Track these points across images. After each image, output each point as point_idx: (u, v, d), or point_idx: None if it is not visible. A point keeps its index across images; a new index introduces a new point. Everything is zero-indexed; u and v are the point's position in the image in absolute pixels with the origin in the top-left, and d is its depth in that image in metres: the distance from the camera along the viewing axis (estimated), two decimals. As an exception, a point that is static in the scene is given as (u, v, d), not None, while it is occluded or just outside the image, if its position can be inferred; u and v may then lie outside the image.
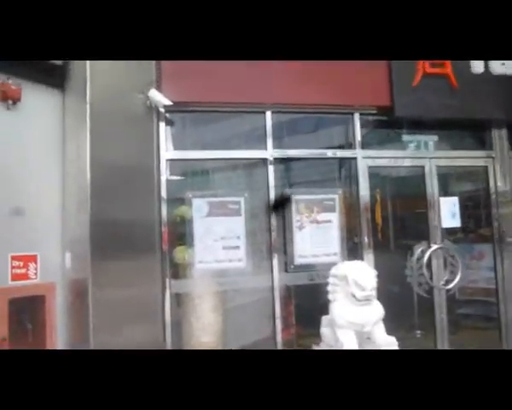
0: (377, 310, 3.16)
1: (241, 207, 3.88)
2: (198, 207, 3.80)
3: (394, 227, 4.62)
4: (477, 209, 4.70)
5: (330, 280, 3.22)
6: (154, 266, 3.49)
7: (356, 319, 3.06)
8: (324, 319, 3.33)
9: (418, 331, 4.58)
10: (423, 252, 4.30)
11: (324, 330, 3.32)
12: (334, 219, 4.11)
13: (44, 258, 3.20)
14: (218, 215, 3.83)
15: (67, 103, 3.55)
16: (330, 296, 3.20)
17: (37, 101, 3.31)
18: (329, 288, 3.21)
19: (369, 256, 4.09)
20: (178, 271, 3.82)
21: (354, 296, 3.05)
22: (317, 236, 4.05)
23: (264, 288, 3.92)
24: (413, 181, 4.47)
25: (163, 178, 3.68)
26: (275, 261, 3.88)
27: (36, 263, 3.10)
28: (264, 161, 3.94)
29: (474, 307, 4.73)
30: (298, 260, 3.99)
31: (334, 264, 3.61)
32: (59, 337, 3.20)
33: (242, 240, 3.87)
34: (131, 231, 3.32)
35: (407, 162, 4.35)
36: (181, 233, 3.86)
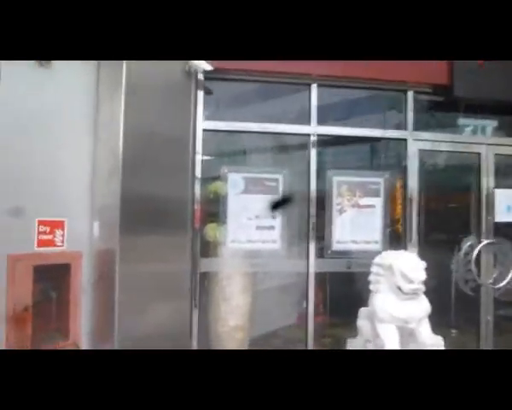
0: (423, 306, 2.89)
1: (279, 185, 3.64)
2: (233, 183, 3.57)
3: (442, 218, 4.27)
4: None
5: (374, 269, 2.96)
6: (184, 244, 3.31)
7: (400, 314, 2.80)
8: (363, 311, 3.08)
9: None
10: (472, 247, 3.95)
11: (362, 323, 3.07)
12: (378, 204, 3.81)
13: (72, 225, 3.06)
14: (254, 193, 3.60)
15: (103, 65, 3.35)
16: (372, 287, 2.94)
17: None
18: (372, 278, 2.95)
19: (413, 247, 3.78)
20: (209, 249, 3.63)
21: (400, 289, 2.78)
22: (357, 221, 3.77)
23: (299, 272, 3.69)
24: (466, 169, 4.10)
25: (198, 151, 3.46)
26: (311, 245, 3.63)
27: (63, 230, 2.96)
28: (306, 137, 3.66)
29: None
30: (336, 246, 3.73)
31: (374, 253, 3.39)
32: (83, 309, 3.07)
33: (278, 220, 3.64)
34: (163, 204, 3.13)
35: (462, 148, 3.97)
36: (214, 210, 3.66)
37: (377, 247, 3.78)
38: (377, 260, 2.98)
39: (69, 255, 3.01)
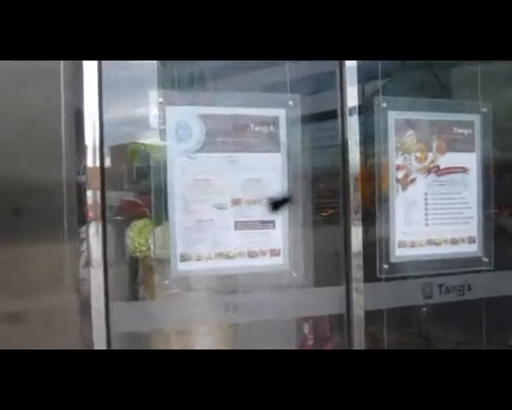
0: None
1: (281, 131, 1.71)
2: (180, 130, 1.62)
3: None
4: None
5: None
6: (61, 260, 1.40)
7: None
8: None
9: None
10: None
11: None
12: (472, 165, 1.93)
13: None
14: (227, 150, 1.66)
15: None
16: None
17: None
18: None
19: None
20: (134, 279, 1.70)
21: None
22: (436, 203, 1.89)
23: (326, 316, 1.79)
24: None
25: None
26: (352, 259, 1.70)
27: None
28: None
29: None
30: (399, 254, 1.83)
31: (469, 261, 1.83)
32: None
33: (281, 211, 1.71)
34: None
35: None
36: (140, 196, 1.75)
37: (474, 250, 1.92)
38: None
39: None
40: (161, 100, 1.60)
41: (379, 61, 1.82)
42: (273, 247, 1.70)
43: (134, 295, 1.78)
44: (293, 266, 1.72)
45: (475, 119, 1.93)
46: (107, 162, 1.62)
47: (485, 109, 1.94)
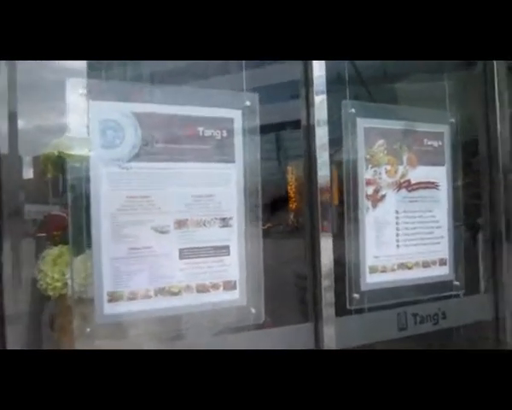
0: None
1: (237, 127, 1.41)
2: (106, 128, 1.26)
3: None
4: None
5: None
6: None
7: None
8: None
9: None
10: None
11: None
12: (442, 178, 1.76)
13: None
14: (172, 157, 1.33)
15: None
16: None
17: None
18: None
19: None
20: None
21: None
22: (408, 222, 1.68)
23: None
24: None
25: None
26: (323, 289, 1.43)
27: None
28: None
29: None
30: (370, 279, 1.59)
31: (440, 285, 1.67)
32: None
33: (234, 229, 1.40)
34: None
35: None
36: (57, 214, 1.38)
37: (445, 273, 1.74)
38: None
39: None
40: (84, 91, 1.22)
41: (345, 65, 1.59)
42: (227, 278, 1.38)
43: (44, 346, 1.37)
44: (252, 301, 1.41)
45: (443, 130, 1.76)
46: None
47: (453, 120, 1.78)
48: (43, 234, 1.50)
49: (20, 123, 1.56)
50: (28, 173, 1.52)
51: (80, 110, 1.24)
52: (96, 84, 1.26)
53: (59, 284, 1.37)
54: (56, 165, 1.37)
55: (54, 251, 1.38)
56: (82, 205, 1.23)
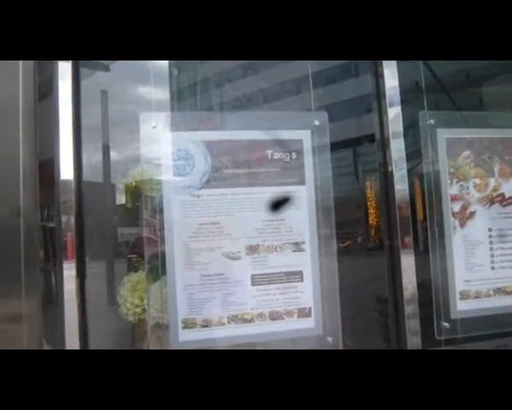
0: None
1: (305, 157, 1.37)
2: (186, 159, 1.29)
3: None
4: None
5: None
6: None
7: None
8: None
9: None
10: None
11: None
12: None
13: None
14: (242, 183, 1.32)
15: None
16: None
17: None
18: None
19: None
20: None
21: None
22: (504, 238, 1.50)
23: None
24: None
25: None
26: (409, 318, 1.31)
27: None
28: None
29: None
30: (461, 306, 1.43)
31: None
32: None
33: (307, 253, 1.34)
34: None
35: None
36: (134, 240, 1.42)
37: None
38: None
39: None
40: (154, 124, 1.26)
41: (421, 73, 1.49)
42: (301, 305, 1.32)
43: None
44: (329, 329, 1.33)
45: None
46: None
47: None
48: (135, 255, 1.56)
49: (113, 154, 1.70)
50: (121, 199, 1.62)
51: (153, 141, 1.29)
52: (166, 117, 1.30)
53: (138, 310, 1.42)
54: (134, 194, 1.43)
55: (133, 277, 1.43)
56: (156, 232, 1.26)
